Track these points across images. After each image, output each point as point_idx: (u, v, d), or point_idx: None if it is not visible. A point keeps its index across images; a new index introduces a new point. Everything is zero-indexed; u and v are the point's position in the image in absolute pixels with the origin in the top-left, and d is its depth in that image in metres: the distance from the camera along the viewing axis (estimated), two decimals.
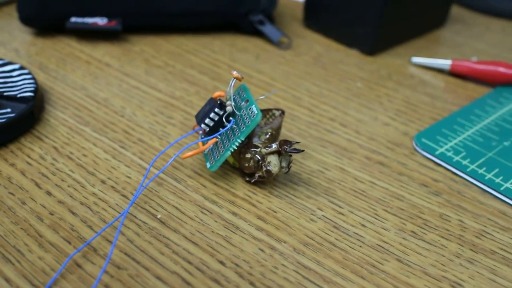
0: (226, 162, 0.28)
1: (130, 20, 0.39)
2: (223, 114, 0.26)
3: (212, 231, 0.24)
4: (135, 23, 0.39)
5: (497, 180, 0.28)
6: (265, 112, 0.28)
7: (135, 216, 0.24)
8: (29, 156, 0.28)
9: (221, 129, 0.26)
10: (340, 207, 0.26)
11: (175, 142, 0.25)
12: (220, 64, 0.37)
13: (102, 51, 0.38)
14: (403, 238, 0.24)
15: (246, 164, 0.26)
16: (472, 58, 0.40)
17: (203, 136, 0.27)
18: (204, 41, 0.40)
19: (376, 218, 0.25)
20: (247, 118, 0.25)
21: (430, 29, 0.44)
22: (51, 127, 0.30)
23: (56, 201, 0.25)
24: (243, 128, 0.25)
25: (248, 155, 0.26)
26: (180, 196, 0.26)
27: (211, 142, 0.26)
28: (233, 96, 0.27)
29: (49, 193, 0.25)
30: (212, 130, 0.26)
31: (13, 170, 0.27)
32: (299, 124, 0.32)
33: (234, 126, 0.26)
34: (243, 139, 0.25)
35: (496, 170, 0.28)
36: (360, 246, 0.24)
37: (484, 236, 0.25)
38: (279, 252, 0.23)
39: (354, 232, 0.24)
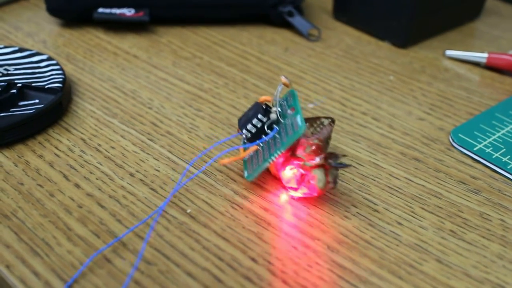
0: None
1: (157, 11, 0.38)
2: (266, 121, 0.24)
3: (243, 227, 0.23)
4: (163, 14, 0.39)
5: None
6: (312, 120, 0.26)
7: (164, 211, 0.24)
8: (57, 148, 0.27)
9: (263, 136, 0.25)
10: (375, 204, 0.25)
11: (218, 143, 0.24)
12: (249, 56, 0.37)
13: (129, 42, 0.37)
14: (442, 238, 0.23)
15: (287, 179, 0.24)
16: (509, 52, 0.38)
17: (245, 141, 0.26)
18: (232, 32, 0.39)
19: (413, 216, 0.24)
20: (290, 128, 0.23)
21: (464, 22, 0.43)
22: (79, 118, 0.30)
23: (84, 193, 0.25)
24: (285, 139, 0.23)
25: (290, 169, 0.24)
26: (210, 191, 0.25)
27: (251, 149, 0.24)
28: (281, 101, 0.25)
29: (77, 186, 0.25)
30: (254, 137, 0.25)
31: (41, 162, 0.26)
32: (328, 114, 0.31)
33: (276, 135, 0.24)
34: (283, 151, 0.23)
35: None
36: (397, 245, 0.23)
37: None
38: (312, 249, 0.22)
39: (390, 230, 0.24)
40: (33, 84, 0.29)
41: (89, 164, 0.26)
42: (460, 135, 0.29)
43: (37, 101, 0.29)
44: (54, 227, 0.23)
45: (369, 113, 0.32)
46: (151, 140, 0.28)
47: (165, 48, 0.37)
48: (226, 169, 0.26)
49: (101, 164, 0.26)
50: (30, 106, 0.28)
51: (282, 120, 0.24)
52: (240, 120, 0.25)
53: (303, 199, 0.24)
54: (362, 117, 0.31)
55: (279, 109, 0.25)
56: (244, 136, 0.25)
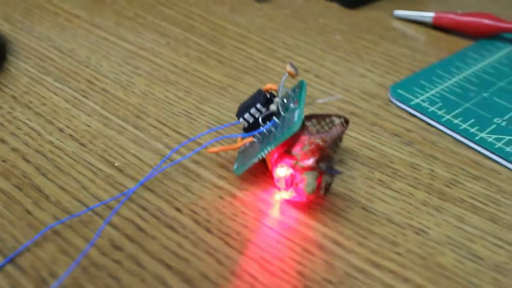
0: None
1: None
2: (265, 112, 0.23)
3: (171, 179, 0.23)
4: None
5: (472, 130, 0.27)
6: (321, 117, 0.23)
7: (91, 164, 0.23)
8: None
9: (261, 127, 0.23)
10: None
11: (213, 130, 0.24)
12: (194, 16, 0.36)
13: (71, 3, 0.36)
14: (370, 186, 0.23)
15: (277, 178, 0.22)
16: (457, 11, 0.38)
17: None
18: None
19: (343, 167, 0.24)
20: (287, 124, 0.21)
21: None
22: (12, 77, 0.29)
23: (9, 148, 0.24)
24: (278, 135, 0.21)
25: (281, 167, 0.21)
26: (139, 144, 0.25)
27: (245, 141, 0.23)
28: (290, 92, 0.23)
29: (2, 141, 0.24)
30: (251, 127, 0.23)
31: None
32: (271, 75, 0.31)
33: (274, 129, 0.22)
34: (273, 148, 0.21)
35: (472, 120, 0.27)
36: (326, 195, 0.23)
37: (454, 185, 0.24)
38: (240, 199, 0.22)
39: None
40: None
41: (18, 120, 0.26)
42: (398, 90, 0.29)
43: None
44: None
45: (312, 71, 0.31)
46: (84, 97, 0.28)
47: (108, 8, 0.36)
48: (159, 124, 0.26)
49: (30, 120, 0.26)
50: None
51: (283, 113, 0.22)
52: (240, 107, 0.23)
53: (291, 203, 0.22)
54: (304, 75, 0.31)
55: (285, 100, 0.23)
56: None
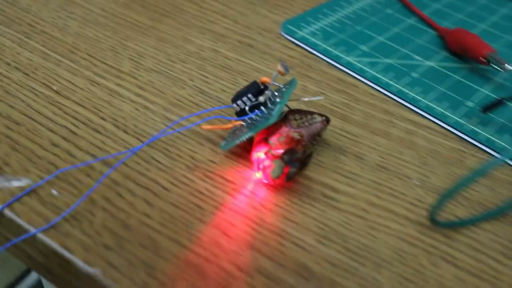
0: None
1: None
2: (254, 101, 0.25)
3: (98, 97, 0.30)
4: None
5: (342, 55, 0.34)
6: (304, 113, 0.26)
7: (34, 88, 0.30)
8: None
9: (249, 113, 0.26)
10: (206, 77, 0.32)
11: (205, 111, 0.26)
12: None
13: None
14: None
15: (254, 160, 0.25)
16: None
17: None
18: None
19: (234, 85, 0.31)
20: (267, 115, 0.24)
21: None
22: None
23: None
24: (257, 124, 0.25)
25: (257, 152, 0.25)
26: (72, 72, 0.31)
27: (235, 124, 0.26)
28: (282, 87, 0.26)
29: None
30: (242, 112, 0.26)
31: None
32: (184, 15, 0.37)
33: (258, 118, 0.25)
34: (250, 135, 0.25)
35: (343, 47, 0.35)
36: (212, 106, 0.30)
37: (322, 94, 0.31)
38: (151, 110, 0.29)
39: (216, 95, 0.30)
40: None
41: None
42: (288, 26, 0.36)
43: None
44: None
45: (220, 12, 0.38)
46: (27, 38, 0.33)
47: None
48: (90, 57, 0.32)
49: None
50: None
51: (269, 105, 0.25)
52: (237, 93, 0.26)
53: (264, 184, 0.25)
54: (214, 15, 0.37)
55: (276, 93, 0.26)
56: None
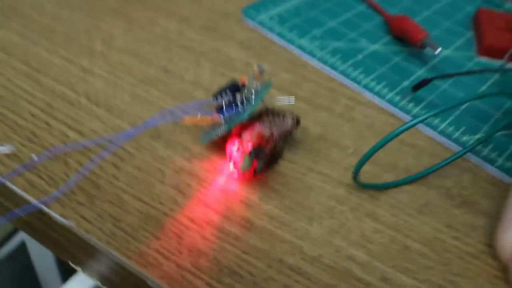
0: None
1: None
2: (230, 98, 0.27)
3: (73, 74, 0.33)
4: None
5: (295, 38, 0.38)
6: (277, 113, 0.28)
7: (13, 66, 0.33)
8: None
9: (226, 109, 0.28)
10: (171, 57, 0.35)
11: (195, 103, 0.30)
12: None
13: None
14: (214, 79, 0.34)
15: (228, 152, 0.27)
16: None
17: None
18: None
19: (197, 68, 0.35)
20: (240, 113, 0.27)
21: None
22: None
23: None
24: (230, 121, 0.27)
25: (230, 145, 0.27)
26: (51, 52, 0.34)
27: (213, 118, 0.28)
28: (258, 87, 0.28)
29: None
30: (221, 108, 0.28)
31: None
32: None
33: (232, 114, 0.27)
34: (226, 130, 0.27)
35: (296, 31, 0.38)
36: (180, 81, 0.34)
37: (273, 76, 0.35)
38: (121, 86, 0.33)
39: (179, 74, 0.34)
40: None
41: None
42: (249, 10, 0.40)
43: None
44: None
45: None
46: (7, 19, 0.37)
47: None
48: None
49: None
50: None
51: (245, 103, 0.27)
52: (217, 90, 0.29)
53: (236, 175, 0.28)
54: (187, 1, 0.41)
55: (253, 91, 0.28)
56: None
